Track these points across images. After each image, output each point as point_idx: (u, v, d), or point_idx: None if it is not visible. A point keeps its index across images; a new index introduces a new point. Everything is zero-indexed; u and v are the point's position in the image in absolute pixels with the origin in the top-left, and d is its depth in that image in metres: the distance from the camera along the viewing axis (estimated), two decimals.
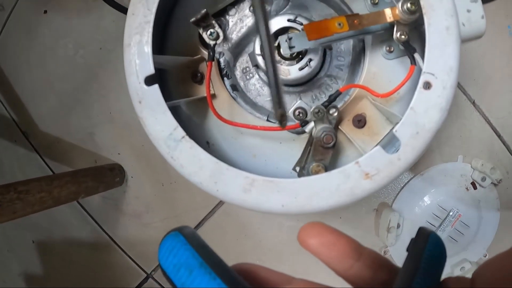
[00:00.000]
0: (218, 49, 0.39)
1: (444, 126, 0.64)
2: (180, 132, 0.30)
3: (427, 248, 0.14)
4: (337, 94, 0.33)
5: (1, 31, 0.82)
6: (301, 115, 0.35)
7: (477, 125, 0.64)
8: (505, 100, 0.64)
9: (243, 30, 0.40)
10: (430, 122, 0.29)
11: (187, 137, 0.30)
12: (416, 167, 0.63)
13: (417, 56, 0.33)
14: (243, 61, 0.41)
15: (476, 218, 0.63)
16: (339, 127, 0.36)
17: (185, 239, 0.14)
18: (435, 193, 0.62)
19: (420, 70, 0.30)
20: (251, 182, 0.29)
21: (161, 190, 0.73)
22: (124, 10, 0.72)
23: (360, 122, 0.35)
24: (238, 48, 0.41)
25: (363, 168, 0.28)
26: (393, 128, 0.29)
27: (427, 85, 0.29)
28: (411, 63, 0.33)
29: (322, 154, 0.32)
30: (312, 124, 0.34)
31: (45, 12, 0.79)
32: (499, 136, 0.64)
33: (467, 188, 0.62)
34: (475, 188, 0.62)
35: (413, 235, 0.16)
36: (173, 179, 0.72)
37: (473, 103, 0.64)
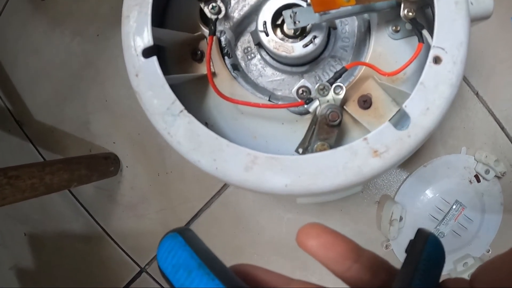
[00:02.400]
0: (219, 28, 0.38)
1: (447, 117, 0.63)
2: (179, 106, 0.29)
3: (426, 249, 0.14)
4: (343, 70, 0.32)
5: None
6: (304, 93, 0.33)
7: (481, 117, 0.63)
8: (508, 92, 0.63)
9: (245, 8, 0.38)
10: (441, 98, 0.27)
11: (185, 111, 0.29)
12: (419, 158, 0.62)
13: (425, 32, 0.31)
14: (245, 41, 0.40)
15: (479, 212, 0.61)
16: (344, 107, 0.34)
17: (184, 240, 0.14)
18: (438, 185, 0.61)
19: (427, 49, 0.29)
20: (253, 160, 0.28)
21: (156, 180, 0.71)
22: None
23: (365, 102, 0.34)
24: (240, 27, 0.39)
25: (371, 145, 0.27)
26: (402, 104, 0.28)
27: (437, 60, 0.28)
28: (419, 41, 0.31)
29: (327, 133, 0.31)
30: (316, 103, 0.33)
31: None
32: (502, 128, 0.63)
33: (470, 181, 0.61)
34: (478, 181, 0.61)
35: (416, 228, 0.16)
36: (169, 169, 0.70)
37: (477, 94, 0.63)
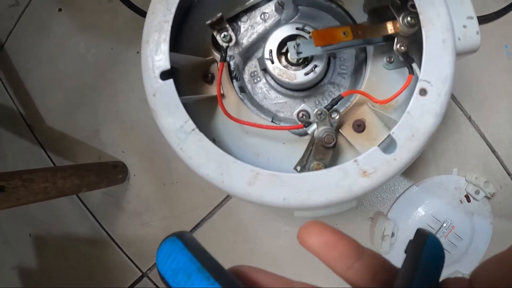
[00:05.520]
0: (229, 53, 0.41)
1: (440, 140, 0.66)
2: (191, 125, 0.32)
3: (425, 249, 0.14)
4: (339, 98, 0.35)
5: (14, 26, 0.84)
6: (304, 117, 0.37)
7: (473, 140, 0.66)
8: (500, 117, 0.66)
9: (254, 36, 0.42)
10: (425, 126, 0.31)
11: (197, 130, 0.32)
12: (412, 178, 0.65)
13: (414, 66, 0.35)
14: (252, 65, 0.43)
15: (469, 230, 0.64)
16: (340, 130, 0.38)
17: (183, 244, 0.14)
18: (430, 204, 0.64)
19: (417, 80, 0.33)
20: (256, 175, 0.31)
21: (162, 190, 0.74)
22: (138, 11, 0.75)
23: (359, 126, 0.37)
24: (248, 53, 0.43)
25: (361, 166, 0.30)
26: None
27: (423, 92, 0.31)
28: (409, 73, 0.35)
29: (323, 154, 0.34)
30: (314, 126, 0.36)
31: (60, 10, 0.82)
32: (493, 151, 0.66)
33: (461, 201, 0.64)
34: (468, 201, 0.64)
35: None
36: (174, 179, 0.73)
37: (469, 118, 0.66)
